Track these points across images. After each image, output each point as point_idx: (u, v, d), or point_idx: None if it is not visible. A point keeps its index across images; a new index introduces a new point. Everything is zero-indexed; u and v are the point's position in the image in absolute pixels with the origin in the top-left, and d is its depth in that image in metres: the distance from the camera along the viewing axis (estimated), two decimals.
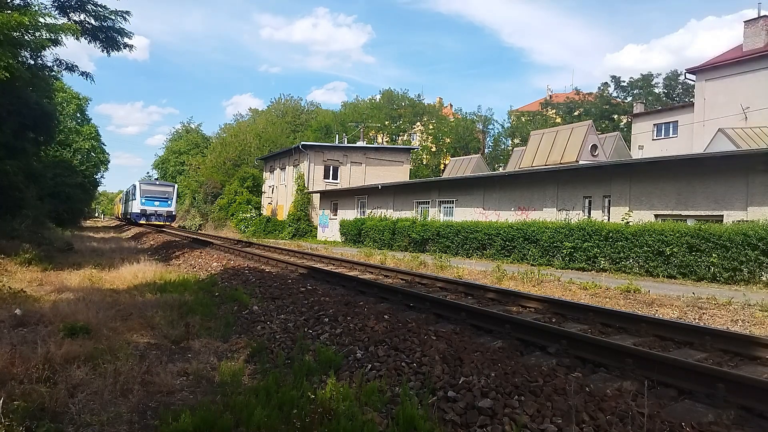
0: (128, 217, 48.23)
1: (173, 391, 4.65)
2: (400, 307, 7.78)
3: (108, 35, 16.85)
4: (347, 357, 5.41)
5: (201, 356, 5.72)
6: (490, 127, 65.53)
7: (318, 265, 14.00)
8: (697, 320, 8.05)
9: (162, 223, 40.62)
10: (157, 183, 45.15)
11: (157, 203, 40.93)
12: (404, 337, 5.68)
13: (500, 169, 47.66)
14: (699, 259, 13.51)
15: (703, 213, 15.08)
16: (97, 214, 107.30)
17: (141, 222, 40.86)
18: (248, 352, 5.85)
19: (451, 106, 73.06)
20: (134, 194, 42.48)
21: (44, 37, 13.43)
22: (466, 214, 23.53)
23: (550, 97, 61.49)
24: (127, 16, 16.69)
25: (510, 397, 3.99)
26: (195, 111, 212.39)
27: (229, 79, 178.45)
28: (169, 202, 42.01)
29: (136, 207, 41.07)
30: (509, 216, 20.91)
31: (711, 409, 3.90)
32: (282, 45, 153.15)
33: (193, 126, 77.57)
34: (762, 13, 30.64)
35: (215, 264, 14.34)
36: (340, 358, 5.33)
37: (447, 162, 49.43)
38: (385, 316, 6.76)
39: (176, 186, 45.72)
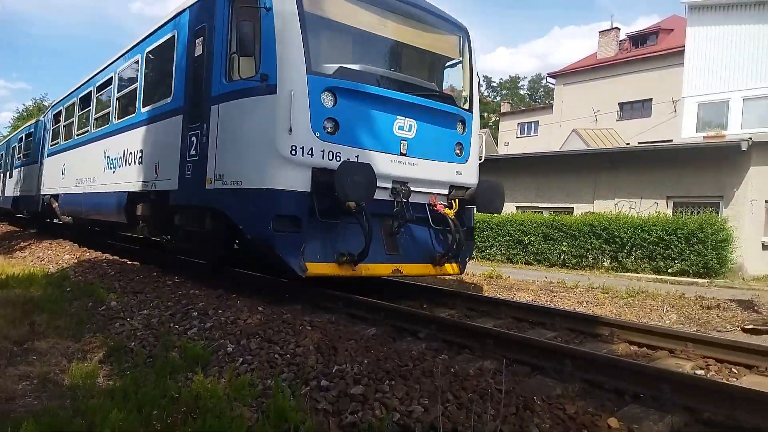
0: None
1: (14, 397, 4.13)
2: (275, 298, 7.62)
3: None
4: (217, 352, 5.17)
5: (48, 358, 5.13)
6: None
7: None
8: (548, 302, 8.87)
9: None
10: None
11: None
12: (278, 329, 5.56)
13: None
14: (552, 247, 14.93)
15: (557, 205, 16.68)
16: None
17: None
18: (104, 351, 5.36)
19: None
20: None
21: None
22: None
23: None
24: None
25: (381, 382, 4.07)
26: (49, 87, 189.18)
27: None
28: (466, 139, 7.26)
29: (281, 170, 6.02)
30: None
31: (559, 383, 4.28)
32: None
33: (46, 103, 69.31)
34: (614, 26, 34.46)
35: (68, 256, 12.96)
36: (209, 353, 5.08)
37: None
38: (260, 308, 6.57)
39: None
